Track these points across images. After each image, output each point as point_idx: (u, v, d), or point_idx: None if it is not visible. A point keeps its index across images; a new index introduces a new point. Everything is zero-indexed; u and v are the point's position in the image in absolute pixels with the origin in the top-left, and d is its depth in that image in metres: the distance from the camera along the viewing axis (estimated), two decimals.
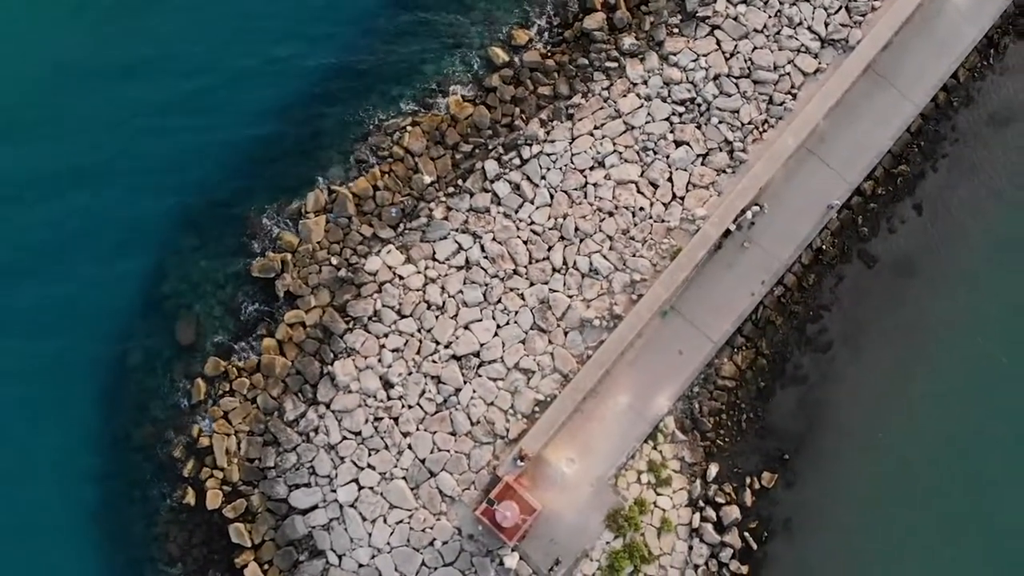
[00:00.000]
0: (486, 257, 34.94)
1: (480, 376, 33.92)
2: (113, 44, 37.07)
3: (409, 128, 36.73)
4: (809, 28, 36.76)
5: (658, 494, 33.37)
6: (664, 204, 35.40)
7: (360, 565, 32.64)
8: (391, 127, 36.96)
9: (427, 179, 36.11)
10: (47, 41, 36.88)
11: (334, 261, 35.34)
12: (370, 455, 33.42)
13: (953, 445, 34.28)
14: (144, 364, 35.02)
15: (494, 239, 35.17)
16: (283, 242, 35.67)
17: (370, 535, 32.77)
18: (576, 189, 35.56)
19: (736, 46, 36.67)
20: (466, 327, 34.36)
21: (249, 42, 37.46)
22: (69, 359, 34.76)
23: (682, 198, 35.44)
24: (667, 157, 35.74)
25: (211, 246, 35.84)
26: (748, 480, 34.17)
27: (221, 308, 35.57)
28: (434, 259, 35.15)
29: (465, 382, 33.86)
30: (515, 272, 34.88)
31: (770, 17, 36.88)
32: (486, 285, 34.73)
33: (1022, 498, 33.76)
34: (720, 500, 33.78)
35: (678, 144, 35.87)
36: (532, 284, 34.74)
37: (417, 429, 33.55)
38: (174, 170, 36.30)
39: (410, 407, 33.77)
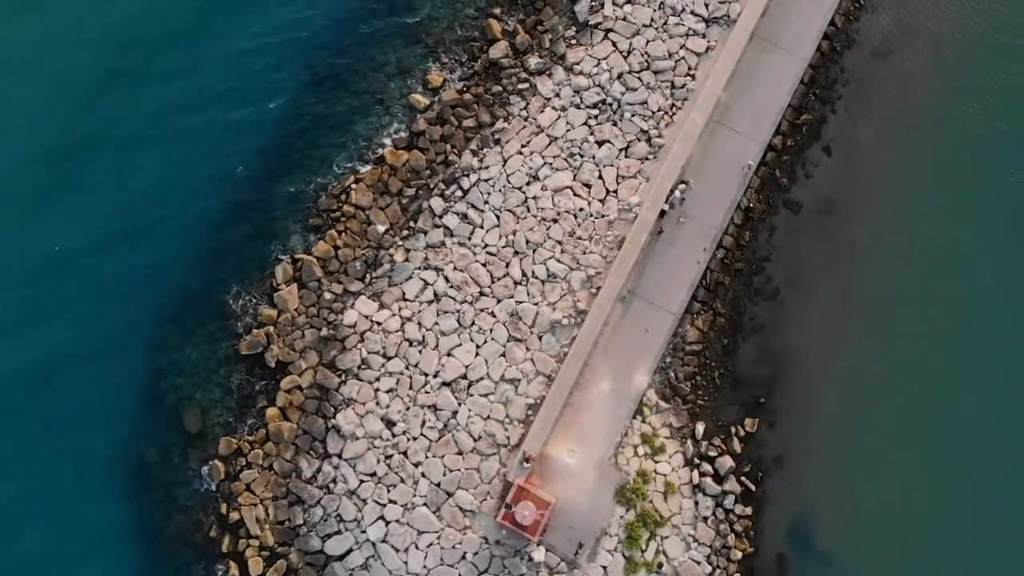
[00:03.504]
0: (451, 286, 37.12)
1: (472, 395, 36.00)
2: (67, 162, 39.21)
3: (354, 186, 38.82)
4: (692, 12, 39.52)
5: (656, 462, 35.51)
6: (600, 200, 37.88)
7: None
8: (337, 189, 39.03)
9: (381, 228, 38.16)
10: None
11: (314, 323, 37.33)
12: (389, 491, 35.30)
13: (904, 353, 36.90)
14: (161, 459, 36.68)
15: (455, 268, 37.39)
16: (263, 317, 37.60)
17: (406, 563, 34.63)
18: (519, 205, 37.89)
19: (631, 44, 39.30)
20: (449, 354, 36.46)
21: (190, 141, 39.49)
22: (91, 472, 36.31)
23: (615, 191, 37.94)
24: (593, 157, 38.27)
25: (197, 337, 37.61)
26: (733, 430, 36.41)
27: (220, 391, 37.28)
28: (405, 299, 37.22)
29: (460, 404, 35.87)
30: (481, 294, 37.04)
31: (655, 11, 39.64)
32: (458, 312, 36.88)
33: (977, 389, 36.43)
34: (712, 454, 35.96)
35: (600, 143, 38.41)
36: (499, 301, 36.90)
37: (426, 457, 35.50)
38: (148, 274, 38.08)
39: (415, 439, 35.74)
